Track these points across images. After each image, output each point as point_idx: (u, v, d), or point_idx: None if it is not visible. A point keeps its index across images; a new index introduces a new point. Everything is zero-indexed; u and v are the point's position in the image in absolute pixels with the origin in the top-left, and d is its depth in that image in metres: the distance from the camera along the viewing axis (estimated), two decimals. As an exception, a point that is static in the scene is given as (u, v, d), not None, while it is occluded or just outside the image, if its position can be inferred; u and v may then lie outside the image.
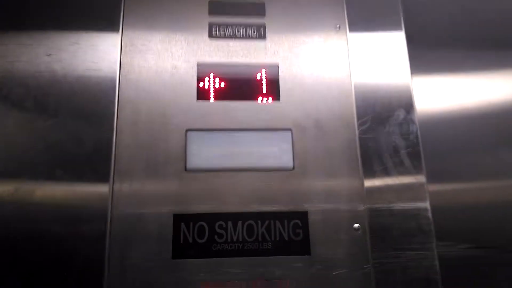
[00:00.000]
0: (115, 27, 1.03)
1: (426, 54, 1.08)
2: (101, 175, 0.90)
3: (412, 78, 1.04)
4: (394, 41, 1.07)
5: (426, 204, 0.94)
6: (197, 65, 1.02)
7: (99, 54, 1.00)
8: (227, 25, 1.06)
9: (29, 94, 0.96)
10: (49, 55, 0.99)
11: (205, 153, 0.94)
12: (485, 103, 1.06)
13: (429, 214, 0.93)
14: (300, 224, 0.91)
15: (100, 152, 0.92)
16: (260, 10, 1.08)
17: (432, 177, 0.96)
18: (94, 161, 0.91)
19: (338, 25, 1.07)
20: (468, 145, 1.01)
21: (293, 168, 0.95)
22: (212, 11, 1.06)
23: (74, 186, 0.89)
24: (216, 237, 0.89)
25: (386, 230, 0.92)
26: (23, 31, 1.01)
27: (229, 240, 0.89)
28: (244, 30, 1.06)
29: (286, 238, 0.90)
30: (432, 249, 0.91)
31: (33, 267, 0.84)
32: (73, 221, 0.87)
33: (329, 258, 0.89)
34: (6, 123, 0.93)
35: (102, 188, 0.89)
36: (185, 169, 0.93)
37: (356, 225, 0.91)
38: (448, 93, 1.05)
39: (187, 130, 0.96)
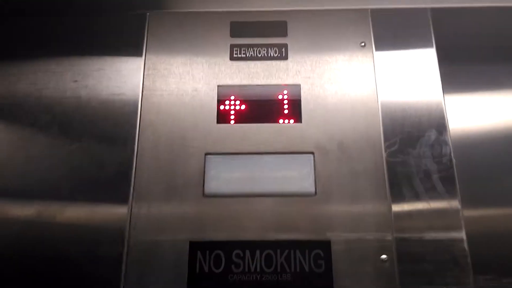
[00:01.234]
0: (138, 52, 1.04)
1: (459, 71, 1.01)
2: (121, 198, 0.89)
3: (444, 96, 0.97)
4: (424, 58, 1.02)
5: (462, 234, 0.86)
6: (218, 87, 1.00)
7: (122, 78, 1.01)
8: (248, 46, 1.04)
9: (54, 120, 0.98)
10: (75, 81, 1.01)
11: (223, 177, 0.92)
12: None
13: (465, 245, 0.85)
14: (322, 255, 0.85)
15: (120, 175, 0.91)
16: (282, 30, 1.05)
17: (468, 203, 0.88)
18: (114, 184, 0.91)
19: (363, 43, 1.03)
20: (509, 167, 0.92)
21: (315, 193, 0.90)
22: (234, 33, 1.05)
23: (94, 209, 0.89)
24: (233, 266, 0.85)
25: (416, 262, 0.84)
26: (52, 58, 1.04)
27: (246, 270, 0.84)
28: (265, 51, 1.04)
29: (307, 270, 0.84)
30: (469, 284, 0.82)
31: None
32: (92, 244, 0.86)
33: (353, 292, 0.83)
34: (32, 148, 0.95)
35: (121, 211, 0.89)
36: (203, 194, 0.90)
37: (384, 256, 0.84)
38: (484, 112, 0.98)
39: (206, 154, 0.94)
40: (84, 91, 1.00)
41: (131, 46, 1.05)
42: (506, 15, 1.07)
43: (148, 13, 1.08)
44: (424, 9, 1.06)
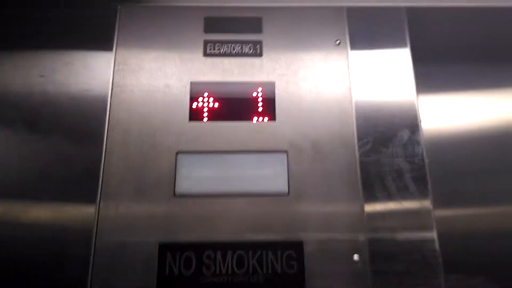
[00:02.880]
0: (108, 46, 1.01)
1: (433, 71, 1.01)
2: (88, 198, 0.87)
3: (417, 97, 0.97)
4: (399, 58, 1.01)
5: (433, 234, 0.86)
6: (191, 84, 0.98)
7: (91, 74, 0.98)
8: (222, 43, 1.02)
9: (20, 116, 0.94)
10: (42, 76, 0.97)
11: (195, 177, 0.90)
12: (497, 122, 0.97)
13: (436, 245, 0.85)
14: (295, 255, 0.84)
15: (88, 174, 0.89)
16: (257, 26, 1.03)
17: (440, 203, 0.88)
18: (81, 183, 0.88)
19: (338, 41, 1.02)
20: (479, 167, 0.93)
21: (288, 193, 0.89)
22: (208, 28, 1.03)
23: (60, 209, 0.87)
24: (204, 268, 0.83)
25: (388, 262, 0.84)
26: (18, 52, 1.00)
27: (217, 272, 0.83)
28: (240, 47, 1.02)
29: (279, 271, 0.83)
30: (440, 284, 0.83)
31: None
32: (58, 245, 0.84)
33: (326, 293, 0.82)
34: (-3, 145, 0.90)
35: (88, 211, 0.86)
36: (174, 193, 0.88)
37: (356, 256, 0.84)
38: (457, 112, 0.98)
39: (177, 153, 0.91)
40: (52, 86, 0.97)
41: (101, 40, 1.01)
42: (481, 16, 1.08)
43: (119, 6, 1.04)
44: (400, 8, 1.06)
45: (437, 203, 0.89)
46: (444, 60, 1.03)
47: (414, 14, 1.05)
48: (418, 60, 1.01)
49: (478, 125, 0.97)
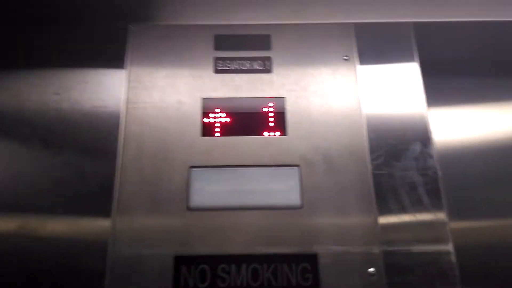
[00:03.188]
0: (121, 64, 1.03)
1: (443, 84, 1.02)
2: (103, 212, 0.87)
3: (428, 109, 0.98)
4: (408, 72, 1.03)
5: (449, 246, 0.86)
6: (202, 100, 0.99)
7: (105, 91, 1.00)
8: (232, 60, 1.04)
9: (36, 133, 0.96)
10: (57, 94, 0.99)
11: (208, 190, 0.90)
12: (508, 134, 0.98)
13: (452, 257, 0.85)
14: (310, 268, 0.84)
15: (103, 188, 0.90)
16: (265, 43, 1.06)
17: (455, 215, 0.88)
18: (96, 198, 0.89)
19: (346, 56, 1.04)
20: (492, 179, 0.93)
21: (301, 206, 0.89)
22: (218, 46, 1.05)
23: (76, 223, 0.87)
24: (218, 281, 0.83)
25: (404, 275, 0.83)
26: (33, 70, 1.02)
27: (232, 285, 0.82)
28: (249, 64, 1.04)
29: (294, 283, 0.83)
30: (457, 297, 0.82)
31: None
32: (74, 259, 0.84)
33: (341, 306, 0.81)
34: (13, 161, 0.93)
35: (103, 225, 0.86)
36: (188, 207, 0.88)
37: (371, 269, 0.84)
38: (468, 124, 0.99)
39: (190, 167, 0.92)
40: (66, 104, 0.98)
41: (113, 59, 1.04)
42: (489, 29, 1.09)
43: (130, 25, 1.06)
44: (407, 24, 1.08)
45: (453, 216, 0.88)
46: (453, 74, 1.04)
47: (422, 29, 1.07)
48: (427, 74, 1.02)
49: (490, 137, 0.98)
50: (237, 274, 0.83)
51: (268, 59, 1.04)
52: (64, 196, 0.89)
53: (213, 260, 0.84)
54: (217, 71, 1.03)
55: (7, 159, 0.93)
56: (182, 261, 0.83)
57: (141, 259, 0.84)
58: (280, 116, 0.98)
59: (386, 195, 0.90)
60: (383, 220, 0.88)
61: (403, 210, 0.88)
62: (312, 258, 0.84)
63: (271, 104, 0.99)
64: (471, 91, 1.02)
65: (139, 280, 0.82)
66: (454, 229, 0.87)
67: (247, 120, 0.98)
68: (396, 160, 0.93)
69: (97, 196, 0.89)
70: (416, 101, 0.99)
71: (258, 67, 1.04)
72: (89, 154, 0.93)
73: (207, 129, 0.96)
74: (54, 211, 0.88)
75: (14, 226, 0.87)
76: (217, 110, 0.98)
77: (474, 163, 0.94)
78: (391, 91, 1.01)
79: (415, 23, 1.08)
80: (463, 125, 0.99)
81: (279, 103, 0.99)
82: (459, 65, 1.05)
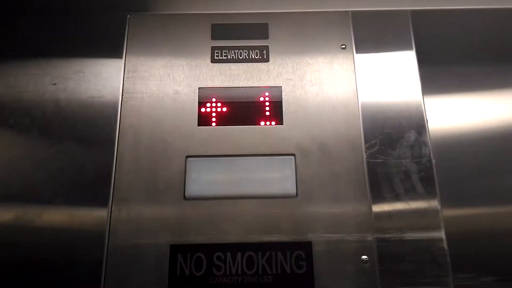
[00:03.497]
0: (118, 54, 1.03)
1: (439, 72, 1.02)
2: (100, 202, 0.89)
3: (424, 98, 0.98)
4: (404, 60, 1.03)
5: (441, 233, 0.87)
6: (199, 89, 1.00)
7: (102, 81, 1.01)
8: (229, 49, 1.04)
9: (34, 123, 0.96)
10: (54, 84, 1.00)
11: (204, 180, 0.91)
12: (502, 122, 0.98)
13: (444, 244, 0.86)
14: (304, 256, 0.85)
15: (100, 178, 0.91)
16: (263, 32, 1.05)
17: (448, 203, 0.89)
18: (94, 187, 0.90)
19: (343, 45, 1.03)
20: (486, 167, 0.94)
21: (296, 195, 0.90)
22: (215, 35, 1.05)
23: (73, 213, 0.89)
24: (214, 269, 0.84)
25: (397, 262, 0.85)
26: (30, 60, 1.02)
27: (227, 273, 0.84)
28: (246, 53, 1.04)
29: (288, 271, 0.84)
30: (448, 283, 0.83)
31: None
32: (71, 248, 0.85)
33: (335, 293, 0.83)
34: (11, 151, 0.94)
35: (101, 214, 0.88)
36: (184, 197, 0.90)
37: (364, 256, 0.85)
38: (463, 113, 0.99)
39: (187, 157, 0.93)
40: (63, 94, 0.99)
41: (111, 49, 1.04)
42: (485, 18, 1.09)
43: (128, 15, 1.07)
44: (405, 12, 1.08)
45: (446, 203, 0.89)
46: (449, 62, 1.04)
47: (419, 17, 1.06)
48: (423, 62, 1.02)
49: (484, 125, 0.98)
50: (232, 262, 0.85)
51: (265, 48, 1.04)
52: (61, 186, 0.90)
53: (209, 249, 0.85)
54: (214, 61, 1.03)
55: (4, 149, 0.94)
56: (178, 250, 0.85)
57: (138, 248, 0.85)
58: (277, 106, 0.98)
59: (380, 183, 0.90)
60: (377, 208, 0.89)
61: (396, 198, 0.89)
62: (306, 246, 0.85)
63: (267, 94, 0.99)
64: (467, 79, 1.02)
65: (136, 268, 0.84)
66: (446, 217, 0.88)
67: (244, 110, 0.98)
68: (391, 149, 0.93)
69: (94, 186, 0.90)
70: (412, 90, 1.00)
71: (255, 56, 1.04)
72: (87, 144, 0.94)
73: (204, 119, 0.97)
74: (52, 201, 0.89)
75: (12, 216, 0.89)
76: (214, 99, 0.99)
77: (468, 151, 0.95)
78: (387, 79, 1.01)
79: (412, 11, 1.07)
80: (458, 113, 0.99)
81: (276, 92, 1.00)
82: (455, 53, 1.05)
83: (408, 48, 1.04)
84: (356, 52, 1.04)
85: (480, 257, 0.88)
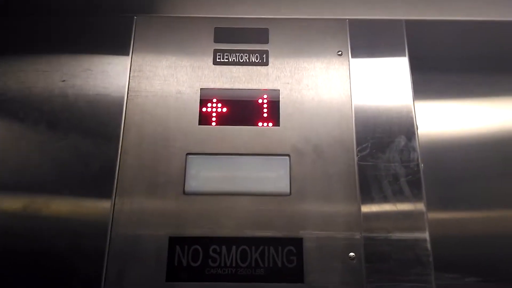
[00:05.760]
0: (125, 54, 1.07)
1: (430, 79, 1.06)
2: (104, 194, 0.93)
3: (414, 104, 1.03)
4: (397, 67, 1.07)
5: (425, 234, 0.91)
6: (201, 90, 1.04)
7: (109, 79, 1.05)
8: (231, 52, 1.08)
9: (42, 118, 1.01)
10: (63, 81, 1.04)
11: (203, 176, 0.96)
12: (490, 129, 1.02)
13: (428, 245, 0.90)
14: (295, 251, 0.90)
15: (104, 172, 0.95)
16: (263, 37, 1.10)
17: (433, 206, 0.94)
18: (98, 180, 0.95)
19: (340, 52, 1.08)
20: (472, 173, 0.98)
21: (290, 193, 0.94)
22: (218, 38, 1.09)
23: (79, 203, 0.93)
24: (210, 261, 0.89)
25: (382, 260, 0.89)
26: (41, 58, 1.07)
27: (222, 264, 0.89)
28: (247, 56, 1.08)
29: (280, 265, 0.89)
30: (430, 282, 0.88)
31: (34, 283, 0.87)
32: (75, 237, 0.90)
33: (322, 287, 0.87)
34: (20, 143, 0.99)
35: (104, 206, 0.92)
36: (184, 192, 0.94)
37: (352, 254, 0.90)
38: (452, 119, 1.03)
39: (187, 154, 0.98)
40: (72, 90, 1.03)
41: (118, 48, 1.08)
42: (477, 29, 1.13)
43: (135, 17, 1.11)
44: (399, 21, 1.12)
45: (431, 206, 0.94)
46: (441, 69, 1.08)
47: (413, 27, 1.11)
48: (415, 68, 1.06)
49: (472, 131, 1.03)
50: (227, 254, 0.89)
51: (265, 52, 1.09)
52: (68, 178, 0.95)
53: (205, 241, 0.90)
54: (216, 63, 1.08)
55: (15, 142, 0.99)
56: (176, 242, 0.90)
57: (139, 239, 0.90)
58: (274, 108, 1.03)
59: (370, 185, 0.95)
60: (366, 208, 0.93)
61: (385, 199, 0.94)
62: (297, 242, 0.90)
63: (265, 96, 1.04)
64: (457, 86, 1.07)
65: (137, 258, 0.89)
66: (431, 219, 0.93)
67: (243, 111, 1.03)
68: (381, 152, 0.98)
69: (99, 179, 0.95)
70: (403, 96, 1.04)
71: (255, 60, 1.08)
72: (93, 139, 0.99)
73: (204, 118, 1.01)
74: (59, 192, 0.94)
75: (20, 205, 0.93)
76: (214, 100, 1.03)
77: (455, 156, 1.00)
78: (381, 86, 1.05)
79: (407, 21, 1.11)
80: (448, 120, 1.03)
81: (274, 95, 1.04)
82: (447, 62, 1.10)
83: (402, 55, 1.08)
84: (352, 57, 1.08)
85: (464, 258, 0.92)
